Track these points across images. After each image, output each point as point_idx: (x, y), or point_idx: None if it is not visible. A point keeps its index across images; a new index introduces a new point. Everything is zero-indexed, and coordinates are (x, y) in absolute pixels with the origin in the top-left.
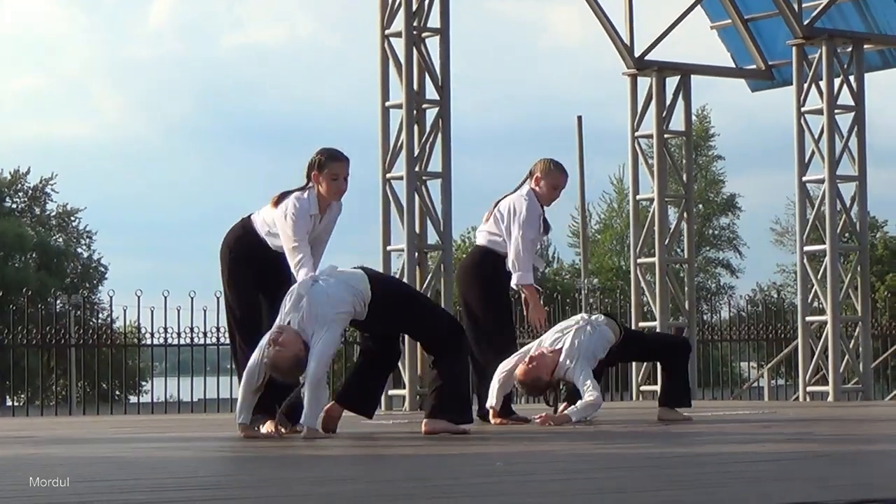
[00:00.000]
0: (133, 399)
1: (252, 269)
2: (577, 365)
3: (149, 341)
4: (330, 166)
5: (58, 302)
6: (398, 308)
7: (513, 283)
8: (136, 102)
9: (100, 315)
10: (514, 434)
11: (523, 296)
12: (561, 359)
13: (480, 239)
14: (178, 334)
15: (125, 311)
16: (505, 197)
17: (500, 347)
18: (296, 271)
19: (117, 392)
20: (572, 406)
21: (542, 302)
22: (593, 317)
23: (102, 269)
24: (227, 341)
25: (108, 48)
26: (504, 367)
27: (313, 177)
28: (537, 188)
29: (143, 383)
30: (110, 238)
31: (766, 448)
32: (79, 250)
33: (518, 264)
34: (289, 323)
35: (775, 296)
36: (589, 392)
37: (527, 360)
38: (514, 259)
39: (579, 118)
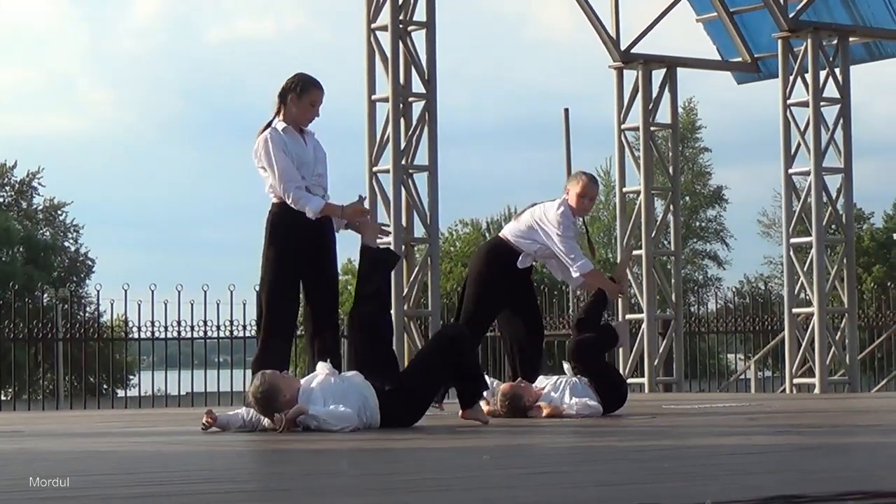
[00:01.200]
0: (121, 393)
1: (294, 250)
2: (564, 393)
3: (136, 335)
4: (311, 92)
5: (45, 296)
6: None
7: (575, 285)
8: (123, 95)
9: (87, 309)
10: (501, 428)
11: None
12: (545, 391)
13: (504, 231)
14: (166, 328)
15: (112, 304)
16: (540, 203)
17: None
18: (289, 194)
19: (105, 386)
20: (574, 400)
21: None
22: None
23: (90, 263)
24: (214, 335)
25: (96, 41)
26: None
27: (290, 99)
28: (568, 199)
29: (131, 377)
30: (97, 232)
31: (753, 440)
32: (66, 244)
33: (570, 259)
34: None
35: (762, 287)
36: (592, 401)
37: (519, 380)
38: (566, 259)
39: (566, 111)
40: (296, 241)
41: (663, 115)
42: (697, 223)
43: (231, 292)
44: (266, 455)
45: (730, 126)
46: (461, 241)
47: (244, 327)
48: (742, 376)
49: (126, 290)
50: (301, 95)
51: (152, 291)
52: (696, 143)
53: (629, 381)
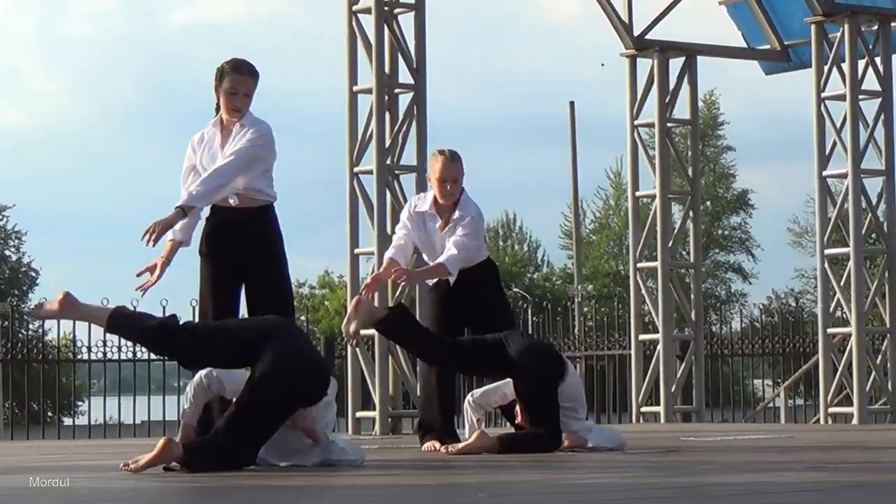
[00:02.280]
0: (68, 421)
1: (225, 264)
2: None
3: (86, 356)
4: (225, 80)
5: None
6: None
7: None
8: (71, 85)
9: (30, 326)
10: (495, 463)
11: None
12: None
13: None
14: (119, 348)
15: (58, 321)
16: None
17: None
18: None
19: (49, 413)
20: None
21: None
22: None
23: (33, 274)
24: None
25: (41, 24)
26: (489, 397)
27: (216, 90)
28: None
29: (80, 403)
30: (42, 239)
31: (782, 478)
32: (6, 252)
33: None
34: None
35: (793, 304)
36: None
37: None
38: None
39: (571, 104)
40: (226, 247)
41: (681, 109)
42: (720, 231)
43: (193, 308)
44: (228, 494)
45: (756, 122)
46: None
47: None
48: (770, 405)
49: None
50: (219, 84)
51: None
52: (719, 142)
53: (643, 409)
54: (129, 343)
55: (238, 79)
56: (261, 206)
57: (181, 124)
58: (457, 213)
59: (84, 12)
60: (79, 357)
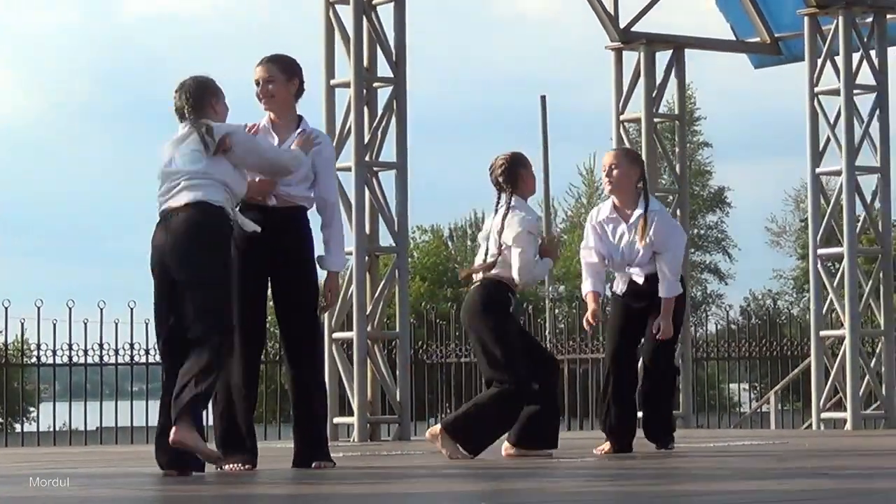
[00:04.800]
0: (21, 427)
1: (258, 262)
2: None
3: (48, 360)
4: (254, 73)
5: None
6: None
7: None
8: (27, 80)
9: None
10: (487, 470)
11: None
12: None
13: None
14: (70, 348)
15: (23, 324)
16: None
17: None
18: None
19: None
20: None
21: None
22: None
23: None
24: (140, 360)
25: None
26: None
27: None
28: None
29: (31, 409)
30: (2, 240)
31: (786, 486)
32: None
33: None
34: None
35: (772, 305)
36: None
37: None
38: None
39: (543, 98)
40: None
41: (664, 103)
42: (696, 230)
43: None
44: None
45: (734, 117)
46: (419, 251)
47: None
48: (754, 410)
49: (39, 308)
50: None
51: (70, 309)
52: (695, 137)
53: None
54: (83, 346)
55: (257, 70)
56: (299, 207)
57: (140, 120)
58: (638, 211)
59: (35, 1)
60: (28, 361)
